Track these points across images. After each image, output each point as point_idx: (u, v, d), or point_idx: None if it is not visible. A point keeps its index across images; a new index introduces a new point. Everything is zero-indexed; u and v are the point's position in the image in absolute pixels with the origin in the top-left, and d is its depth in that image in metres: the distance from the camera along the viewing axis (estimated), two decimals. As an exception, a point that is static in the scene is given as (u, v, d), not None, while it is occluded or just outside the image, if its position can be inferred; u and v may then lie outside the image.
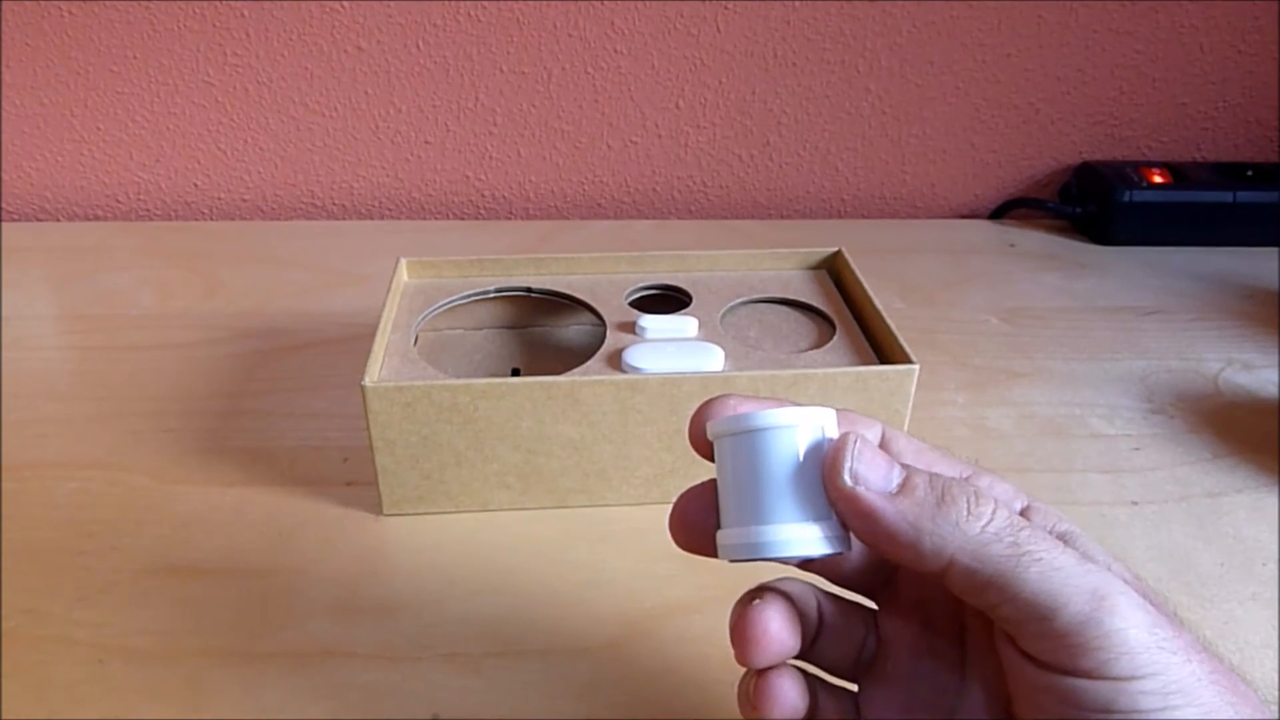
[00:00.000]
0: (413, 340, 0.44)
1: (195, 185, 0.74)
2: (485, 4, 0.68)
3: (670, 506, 0.26)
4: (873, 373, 0.41)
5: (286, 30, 0.69)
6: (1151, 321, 0.61)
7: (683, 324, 0.45)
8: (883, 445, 0.26)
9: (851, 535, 0.24)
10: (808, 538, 0.23)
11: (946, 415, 0.51)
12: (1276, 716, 0.22)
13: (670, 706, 0.34)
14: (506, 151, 0.74)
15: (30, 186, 0.73)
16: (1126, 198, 0.69)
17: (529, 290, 0.49)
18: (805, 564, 0.27)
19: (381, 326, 0.43)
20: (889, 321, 0.44)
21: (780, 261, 0.52)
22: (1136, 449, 0.48)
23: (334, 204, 0.76)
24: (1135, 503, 0.44)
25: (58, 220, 0.74)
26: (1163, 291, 0.65)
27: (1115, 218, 0.70)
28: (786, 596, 0.26)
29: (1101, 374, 0.55)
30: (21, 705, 0.33)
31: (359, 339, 0.55)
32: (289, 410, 0.49)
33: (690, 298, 0.48)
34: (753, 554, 0.24)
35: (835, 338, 0.46)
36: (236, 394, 0.51)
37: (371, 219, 0.76)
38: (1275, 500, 0.45)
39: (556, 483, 0.42)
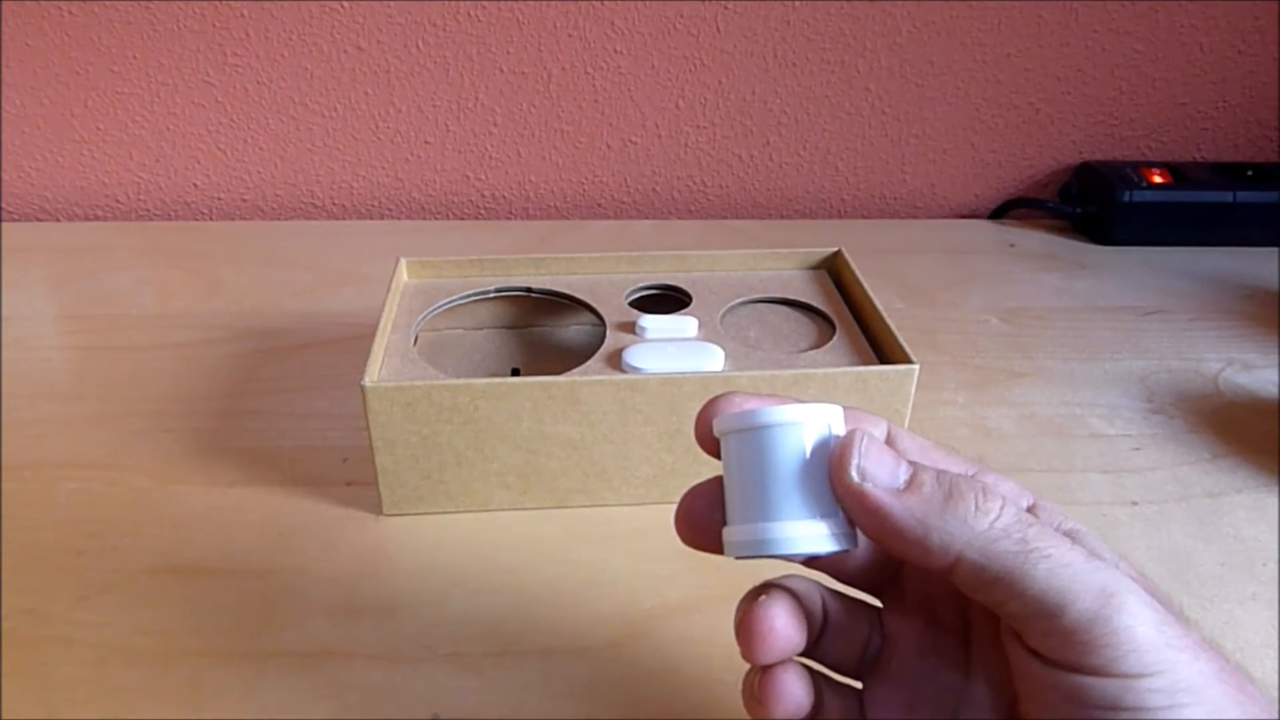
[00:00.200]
0: (413, 340, 0.44)
1: (195, 185, 0.74)
2: (485, 4, 0.68)
3: (675, 504, 0.26)
4: (873, 373, 0.41)
5: (286, 30, 0.69)
6: (1151, 321, 0.61)
7: (683, 324, 0.45)
8: (888, 442, 0.26)
9: (858, 532, 0.24)
10: (814, 535, 0.23)
11: (946, 415, 0.51)
12: (1278, 716, 0.22)
13: (670, 706, 0.34)
14: (506, 151, 0.74)
15: (30, 186, 0.73)
16: (1126, 198, 0.69)
17: (529, 290, 0.49)
18: (810, 561, 0.27)
19: (381, 326, 0.43)
20: (889, 321, 0.44)
21: (780, 261, 0.52)
22: (1136, 449, 0.48)
23: (334, 204, 0.76)
24: (1135, 503, 0.44)
25: (58, 220, 0.74)
26: (1163, 291, 0.65)
27: (1115, 218, 0.70)
28: (792, 593, 0.26)
29: (1101, 374, 0.55)
30: (21, 705, 0.33)
31: (359, 339, 0.55)
32: (289, 410, 0.49)
33: (690, 298, 0.48)
34: (759, 551, 0.24)
35: (835, 338, 0.46)
36: (236, 394, 0.51)
37: (371, 219, 0.76)
38: (1275, 500, 0.45)
39: (557, 483, 0.42)
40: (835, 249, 0.51)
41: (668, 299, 0.50)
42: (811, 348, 0.45)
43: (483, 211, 0.77)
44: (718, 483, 0.25)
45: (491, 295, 0.49)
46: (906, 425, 0.42)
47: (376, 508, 0.42)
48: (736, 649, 0.25)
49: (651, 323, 0.44)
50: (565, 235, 0.71)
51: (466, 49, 0.70)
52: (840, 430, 0.24)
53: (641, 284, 0.49)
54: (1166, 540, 0.42)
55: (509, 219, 0.77)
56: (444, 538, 0.41)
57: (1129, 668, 0.20)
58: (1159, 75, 0.74)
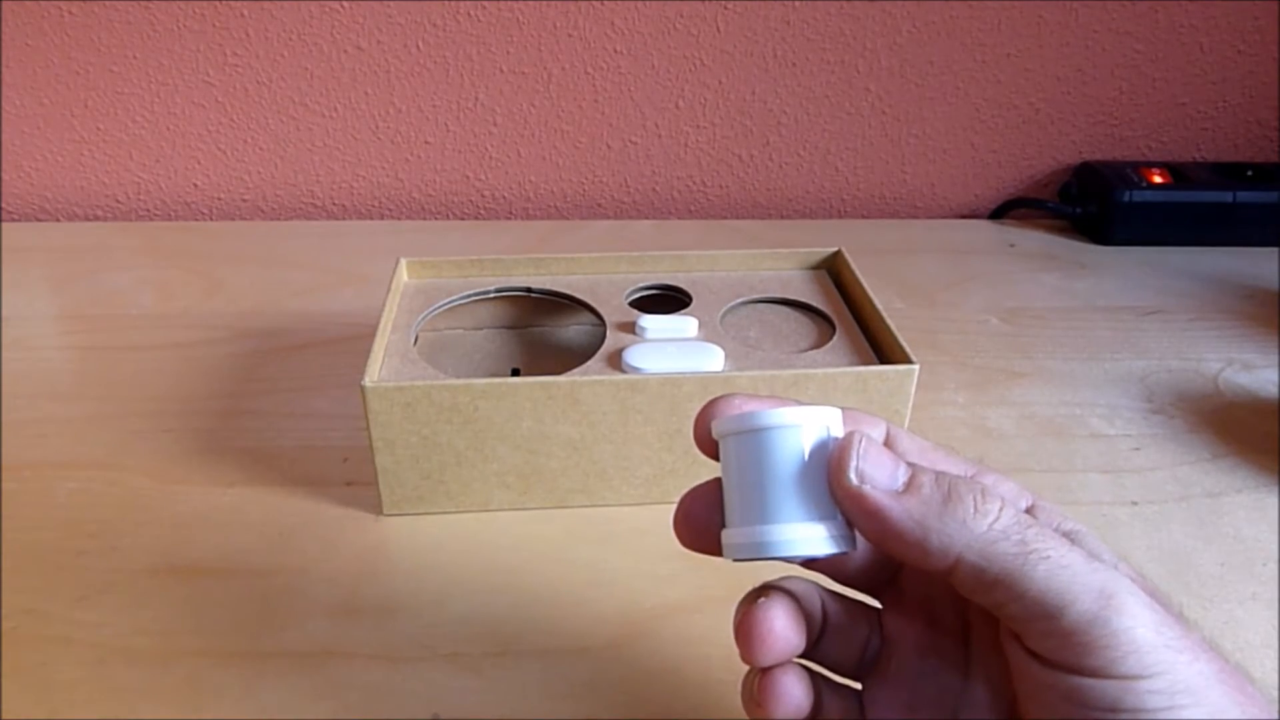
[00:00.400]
0: (413, 340, 0.44)
1: (195, 185, 0.74)
2: (485, 4, 0.68)
3: (674, 506, 0.26)
4: (873, 373, 0.41)
5: (286, 30, 0.69)
6: (1151, 321, 0.61)
7: (683, 324, 0.45)
8: (887, 444, 0.26)
9: (857, 534, 0.24)
10: (813, 537, 0.23)
11: (946, 415, 0.51)
12: (1278, 717, 0.22)
13: (670, 706, 0.34)
14: (506, 151, 0.74)
15: (30, 186, 0.73)
16: (1126, 198, 0.69)
17: (529, 290, 0.49)
18: (809, 563, 0.27)
19: (381, 326, 0.43)
20: (889, 321, 0.44)
21: (780, 261, 0.52)
22: (1136, 449, 0.48)
23: (334, 204, 0.76)
24: (1135, 503, 0.44)
25: (58, 220, 0.74)
26: (1163, 291, 0.65)
27: (1115, 218, 0.70)
28: (791, 595, 0.26)
29: (1101, 374, 0.55)
30: (21, 705, 0.33)
31: (359, 339, 0.55)
32: (289, 410, 0.49)
33: (690, 298, 0.48)
34: (758, 553, 0.24)
35: (835, 338, 0.46)
36: (236, 394, 0.51)
37: (371, 219, 0.76)
38: (1275, 500, 0.45)
39: (556, 483, 0.42)
40: (835, 249, 0.51)
41: (668, 299, 0.50)
42: (811, 348, 0.45)
43: (483, 211, 0.77)
44: (716, 485, 0.25)
45: (491, 295, 0.49)
46: (906, 425, 0.42)
47: (376, 508, 0.42)
48: (736, 649, 0.25)
49: (651, 323, 0.44)
50: (565, 235, 0.71)
51: (466, 49, 0.70)
52: (839, 432, 0.24)
53: (641, 284, 0.49)
54: (1166, 540, 0.42)
55: (509, 219, 0.77)
56: (444, 538, 0.41)
57: (1128, 669, 0.20)
58: (1159, 75, 0.74)
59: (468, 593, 0.38)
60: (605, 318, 0.46)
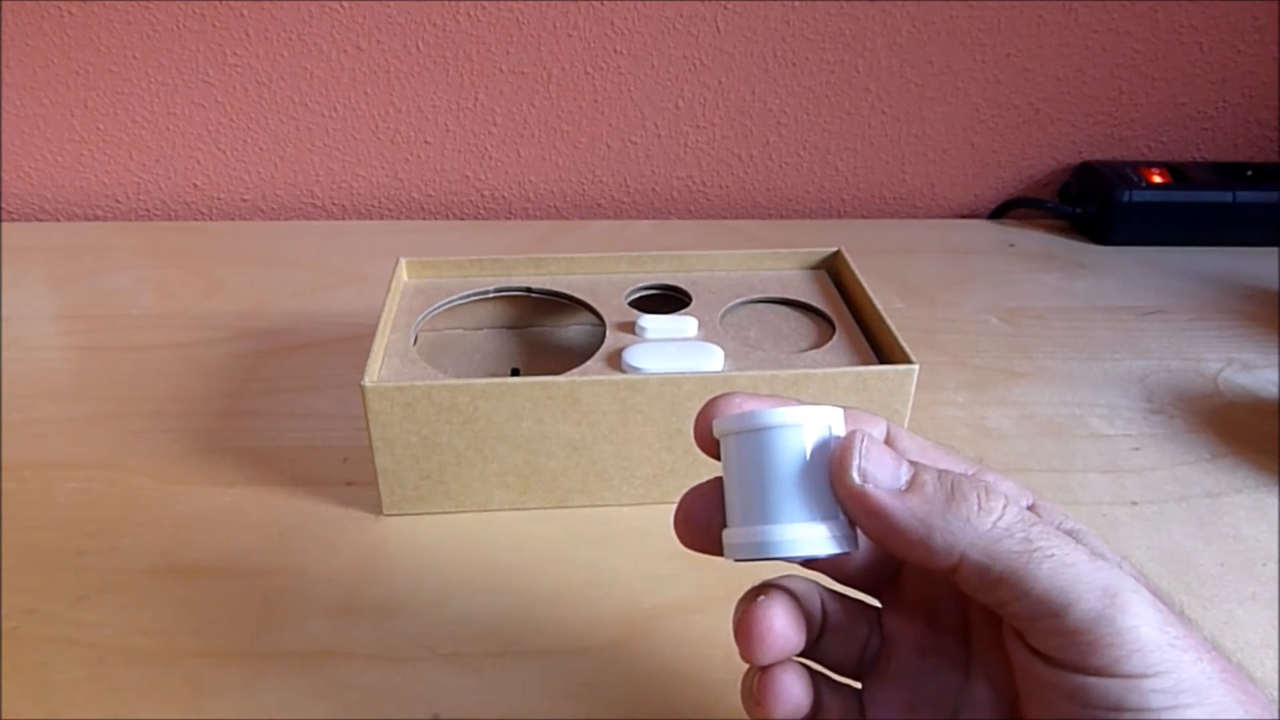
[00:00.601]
0: (413, 340, 0.44)
1: (195, 185, 0.74)
2: (485, 4, 0.68)
3: (675, 505, 0.26)
4: (873, 373, 0.41)
5: (286, 30, 0.69)
6: (1151, 321, 0.61)
7: (683, 324, 0.45)
8: (887, 443, 0.26)
9: (859, 534, 0.24)
10: (815, 537, 0.23)
11: (946, 415, 0.51)
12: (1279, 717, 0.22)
13: (670, 707, 0.34)
14: (506, 151, 0.74)
15: (30, 186, 0.73)
16: (1126, 198, 0.69)
17: (529, 290, 0.49)
18: (809, 562, 0.27)
19: (381, 326, 0.43)
20: (889, 321, 0.44)
21: (780, 261, 0.52)
22: (1136, 449, 0.48)
23: (334, 204, 0.76)
24: (1135, 503, 0.44)
25: (58, 220, 0.74)
26: (1163, 291, 0.65)
27: (1115, 218, 0.70)
28: (790, 594, 0.26)
29: (1101, 374, 0.55)
30: (21, 705, 0.33)
31: (359, 339, 0.55)
32: (289, 410, 0.49)
33: (690, 298, 0.48)
34: (759, 554, 0.23)
35: (835, 338, 0.46)
36: (236, 394, 0.51)
37: (371, 219, 0.76)
38: (1275, 500, 0.45)
39: (556, 483, 0.42)
40: (835, 249, 0.51)
41: (668, 299, 0.50)
42: (811, 348, 0.45)
43: (483, 211, 0.77)
44: (717, 484, 0.25)
45: (491, 295, 0.49)
46: (906, 425, 0.42)
47: (376, 508, 0.42)
48: (736, 649, 0.25)
49: (651, 323, 0.44)
50: (565, 235, 0.71)
51: (466, 49, 0.70)
52: (840, 431, 0.24)
53: (641, 284, 0.49)
54: (1166, 540, 0.42)
55: (509, 219, 0.77)
56: (444, 538, 0.41)
57: (1132, 668, 0.20)
58: (1159, 75, 0.74)
59: (468, 593, 0.38)
60: (605, 318, 0.46)
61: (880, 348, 0.44)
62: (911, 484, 0.23)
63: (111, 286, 0.62)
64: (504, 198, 0.76)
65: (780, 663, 0.25)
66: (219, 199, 0.75)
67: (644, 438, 0.41)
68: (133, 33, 0.68)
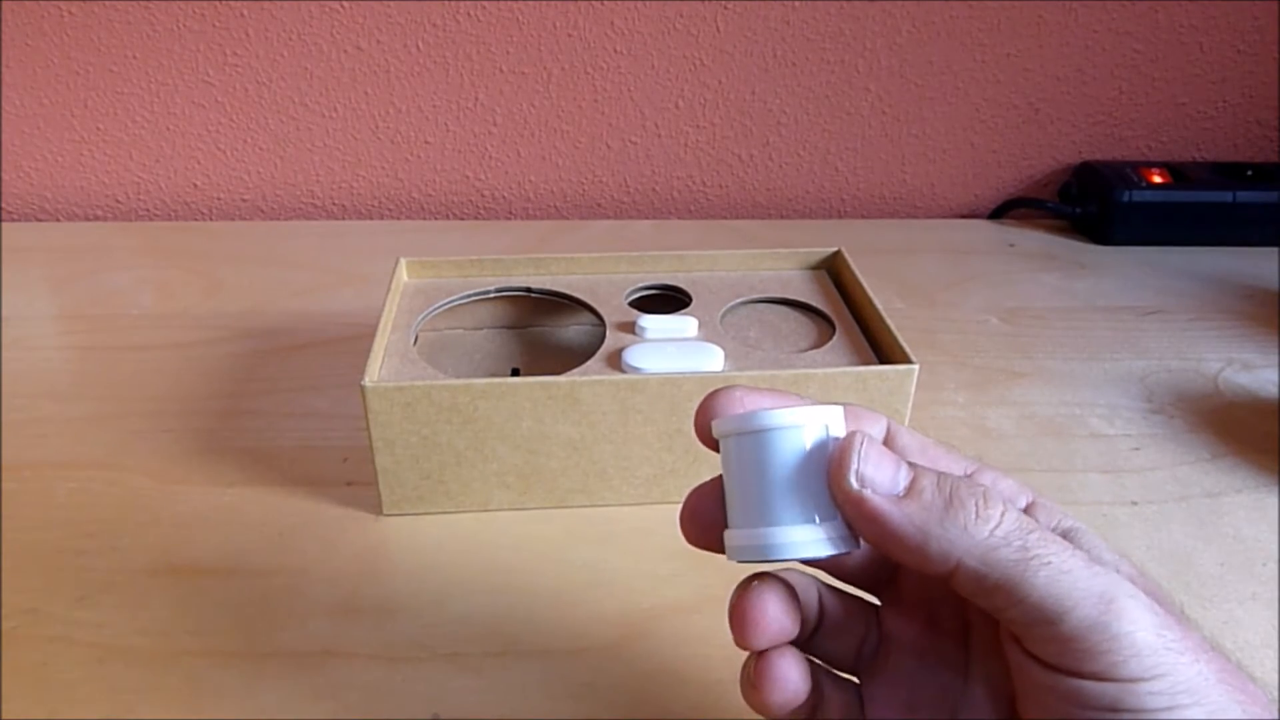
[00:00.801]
0: (413, 340, 0.44)
1: (195, 185, 0.74)
2: (485, 4, 0.68)
3: (675, 504, 0.26)
4: (872, 373, 0.41)
5: (286, 30, 0.69)
6: (1151, 321, 0.61)
7: (683, 324, 0.45)
8: (887, 440, 0.26)
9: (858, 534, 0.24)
10: (815, 539, 0.23)
11: (946, 415, 0.51)
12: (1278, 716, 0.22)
13: (670, 707, 0.34)
14: (506, 151, 0.74)
15: (30, 186, 0.73)
16: (1126, 198, 0.69)
17: (529, 290, 0.49)
18: (809, 560, 0.27)
19: (381, 326, 0.43)
20: (889, 321, 0.44)
21: (780, 261, 0.52)
22: (1136, 449, 0.48)
23: (334, 204, 0.76)
24: (1135, 503, 0.44)
25: (58, 220, 0.74)
26: (1163, 291, 0.65)
27: (1115, 218, 0.70)
28: (784, 583, 0.26)
29: (1101, 374, 0.55)
30: (21, 705, 0.33)
31: (359, 339, 0.55)
32: (289, 410, 0.49)
33: (690, 298, 0.48)
34: (760, 556, 0.23)
35: (835, 338, 0.46)
36: (236, 394, 0.51)
37: (371, 219, 0.76)
38: (1275, 500, 0.45)
39: (556, 483, 0.42)
40: (835, 249, 0.51)
41: (668, 299, 0.50)
42: (811, 348, 0.45)
43: (483, 211, 0.77)
44: (721, 482, 0.25)
45: (491, 295, 0.49)
46: (906, 425, 0.42)
47: (376, 508, 0.42)
48: (736, 649, 0.25)
49: (651, 323, 0.44)
50: (565, 235, 0.71)
51: (466, 49, 0.70)
52: (840, 432, 0.24)
53: (641, 284, 0.49)
54: (1166, 540, 0.42)
55: (509, 219, 0.77)
56: (444, 538, 0.41)
57: (1129, 672, 0.20)
58: (1159, 75, 0.74)
59: (468, 593, 0.38)
60: (605, 318, 0.46)
61: (880, 348, 0.44)
62: (910, 489, 0.22)
63: (111, 286, 0.62)
64: (504, 198, 0.76)
65: (777, 649, 0.25)
66: (219, 199, 0.75)
67: (644, 438, 0.41)
68: (133, 33, 0.68)
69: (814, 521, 0.23)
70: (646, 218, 0.78)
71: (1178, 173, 0.71)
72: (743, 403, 0.25)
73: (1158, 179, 0.70)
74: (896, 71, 0.72)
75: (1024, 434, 0.49)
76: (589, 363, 0.42)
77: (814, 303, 0.48)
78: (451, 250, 0.67)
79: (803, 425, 0.23)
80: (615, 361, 0.42)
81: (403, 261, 0.49)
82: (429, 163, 0.74)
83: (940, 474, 0.23)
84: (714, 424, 0.25)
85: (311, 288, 0.62)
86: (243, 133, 0.72)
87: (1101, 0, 0.70)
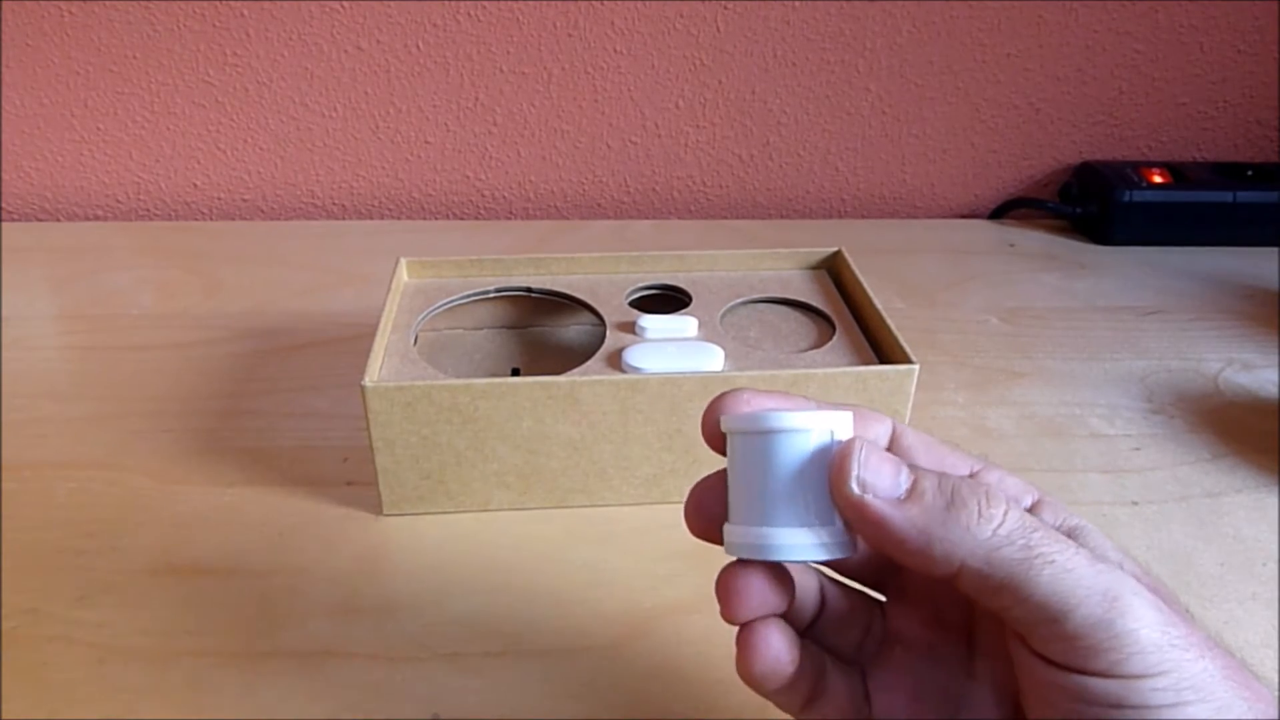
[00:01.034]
0: (413, 340, 0.44)
1: (195, 185, 0.74)
2: (485, 4, 0.68)
3: (675, 504, 0.26)
4: (873, 373, 0.41)
5: (286, 30, 0.69)
6: (1151, 321, 0.61)
7: (683, 324, 0.45)
8: (893, 441, 0.26)
9: (858, 537, 0.24)
10: (812, 543, 0.23)
11: (946, 415, 0.51)
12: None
13: (670, 707, 0.34)
14: (506, 151, 0.74)
15: (30, 186, 0.73)
16: (1126, 198, 0.69)
17: (529, 290, 0.49)
18: (805, 563, 0.27)
19: (381, 326, 0.43)
20: (889, 321, 0.44)
21: (780, 261, 0.52)
22: (1137, 449, 0.48)
23: (334, 204, 0.76)
24: (1135, 503, 0.44)
25: (58, 220, 0.74)
26: (1163, 291, 0.65)
27: (1115, 218, 0.70)
28: (776, 563, 0.25)
29: (1101, 374, 0.55)
30: (21, 705, 0.33)
31: (359, 339, 0.55)
32: (289, 410, 0.49)
33: (690, 298, 0.48)
34: (757, 554, 0.24)
35: (835, 338, 0.46)
36: (236, 394, 0.51)
37: (371, 219, 0.76)
38: (1275, 500, 0.45)
39: (556, 483, 0.42)
40: (835, 249, 0.51)
41: (668, 299, 0.50)
42: (811, 348, 0.45)
43: (483, 211, 0.77)
44: (725, 476, 0.26)
45: (491, 295, 0.49)
46: (907, 425, 0.42)
47: (376, 508, 0.42)
48: (736, 649, 0.25)
49: (651, 323, 0.44)
50: (565, 235, 0.71)
51: (466, 49, 0.70)
52: (845, 437, 0.24)
53: (641, 284, 0.49)
54: (1166, 540, 0.42)
55: (509, 219, 0.77)
56: (444, 538, 0.41)
57: (1133, 669, 0.20)
58: (1159, 75, 0.74)
59: (468, 593, 0.38)
60: (605, 318, 0.46)
61: (880, 348, 0.44)
62: (911, 492, 0.22)
63: (111, 286, 0.62)
64: (504, 198, 0.76)
65: (763, 619, 0.25)
66: (219, 199, 0.75)
67: (644, 438, 0.41)
68: (133, 33, 0.68)
69: (812, 525, 0.23)
70: (646, 218, 0.78)
71: (1178, 173, 0.71)
72: (750, 404, 0.25)
73: (1158, 179, 0.70)
74: (896, 71, 0.72)
75: (1024, 434, 0.49)
76: (589, 363, 0.42)
77: (814, 303, 0.48)
78: (451, 250, 0.67)
79: (808, 430, 0.23)
80: (615, 361, 0.42)
81: (403, 261, 0.49)
82: (429, 163, 0.74)
83: (941, 475, 0.23)
84: (723, 419, 0.25)
85: (311, 288, 0.62)
86: (243, 133, 0.72)
87: (1101, 0, 0.70)
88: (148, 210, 0.75)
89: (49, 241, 0.68)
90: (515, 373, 0.48)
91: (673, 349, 0.43)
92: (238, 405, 0.50)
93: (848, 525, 0.23)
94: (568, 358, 0.46)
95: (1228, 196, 0.70)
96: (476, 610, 0.37)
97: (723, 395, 0.25)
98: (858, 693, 0.27)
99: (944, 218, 0.79)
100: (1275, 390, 0.53)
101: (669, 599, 0.38)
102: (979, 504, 0.22)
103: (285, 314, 0.59)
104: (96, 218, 0.75)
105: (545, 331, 0.51)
